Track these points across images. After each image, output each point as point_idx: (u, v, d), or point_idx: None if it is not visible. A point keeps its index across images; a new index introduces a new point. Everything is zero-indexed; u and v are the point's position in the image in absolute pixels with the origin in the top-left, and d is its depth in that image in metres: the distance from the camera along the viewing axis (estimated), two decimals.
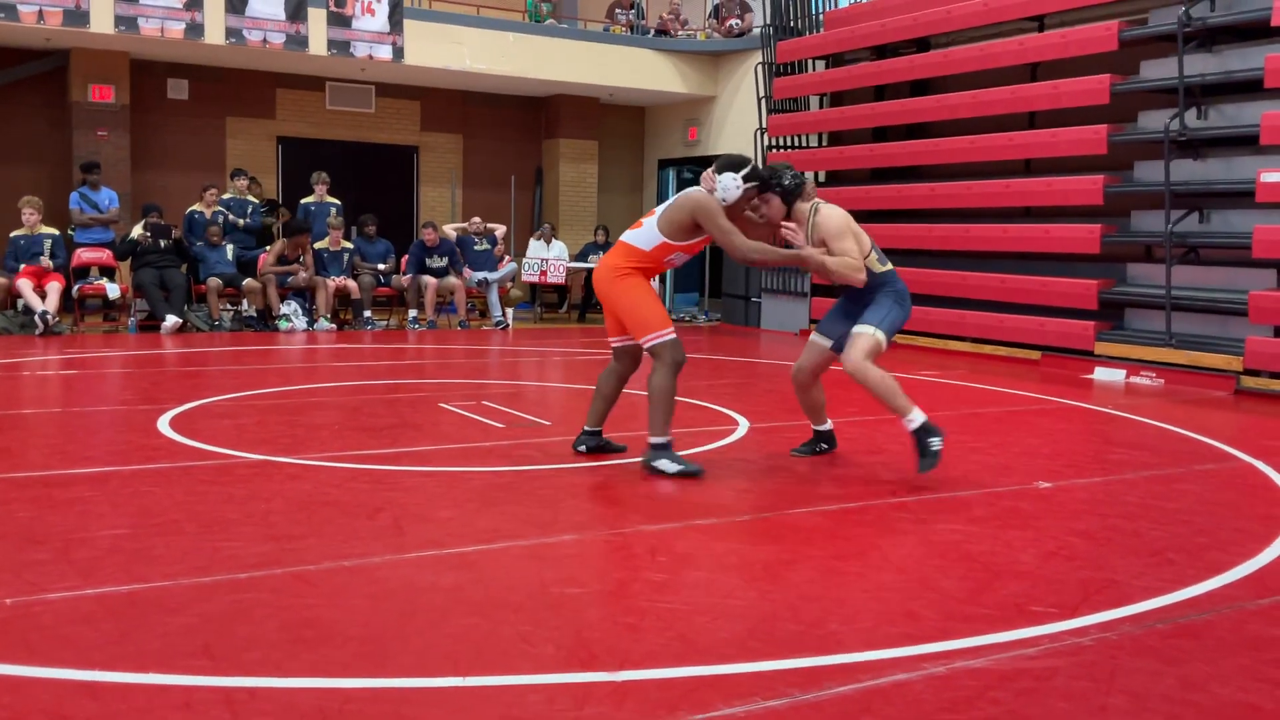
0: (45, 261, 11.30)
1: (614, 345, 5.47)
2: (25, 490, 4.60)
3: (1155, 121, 9.96)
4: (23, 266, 11.25)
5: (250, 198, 13.08)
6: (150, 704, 2.57)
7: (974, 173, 11.96)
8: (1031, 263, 11.24)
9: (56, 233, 11.71)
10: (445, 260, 13.11)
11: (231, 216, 12.69)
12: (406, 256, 13.17)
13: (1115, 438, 6.91)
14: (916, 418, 5.11)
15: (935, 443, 5.08)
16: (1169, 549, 4.16)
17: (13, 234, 11.49)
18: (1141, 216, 10.29)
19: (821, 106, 14.30)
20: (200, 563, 3.65)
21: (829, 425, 5.82)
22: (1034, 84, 11.12)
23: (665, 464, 5.11)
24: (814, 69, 14.36)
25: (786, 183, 5.30)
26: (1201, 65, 9.63)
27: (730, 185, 5.12)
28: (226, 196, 12.94)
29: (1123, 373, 9.63)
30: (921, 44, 12.89)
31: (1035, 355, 10.61)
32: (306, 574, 3.57)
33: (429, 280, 12.91)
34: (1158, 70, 10.01)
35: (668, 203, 5.29)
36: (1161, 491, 5.16)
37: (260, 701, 2.60)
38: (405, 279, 13.03)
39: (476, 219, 13.87)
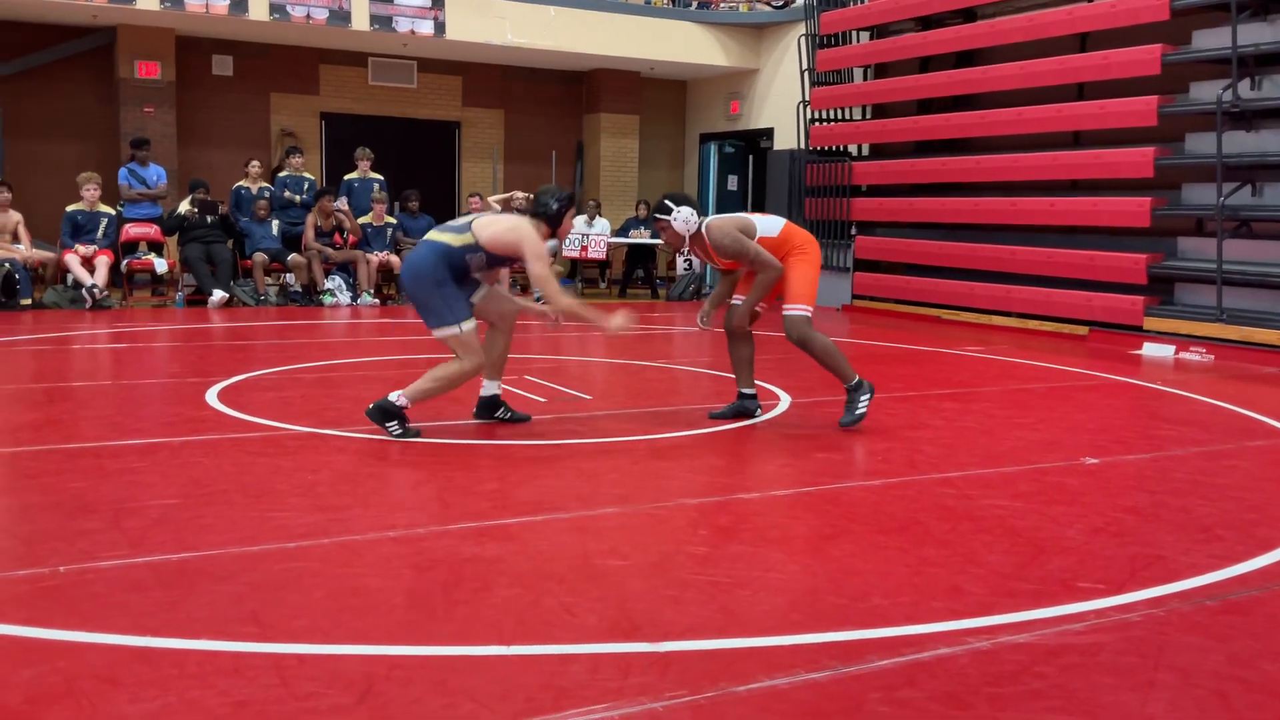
0: (92, 249, 11.40)
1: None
2: (77, 461, 4.68)
3: (1207, 92, 9.77)
4: (76, 245, 11.38)
5: (306, 174, 13.18)
6: (201, 669, 2.61)
7: (1021, 145, 11.79)
8: (1079, 236, 11.10)
9: (113, 212, 11.85)
10: None
11: (289, 193, 12.79)
12: None
13: (1164, 414, 6.82)
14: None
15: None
16: (1218, 525, 4.10)
17: (70, 208, 11.63)
18: (1192, 189, 10.11)
19: (866, 78, 14.15)
20: (249, 532, 3.70)
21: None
22: (1083, 54, 10.94)
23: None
24: (858, 40, 14.20)
25: (554, 209, 5.52)
26: (1255, 34, 9.42)
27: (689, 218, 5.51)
28: (284, 175, 13.03)
29: (1172, 348, 9.49)
30: (968, 14, 12.71)
31: (1083, 330, 10.48)
32: (353, 544, 3.61)
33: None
34: (1210, 40, 9.81)
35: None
36: (1211, 468, 5.08)
37: (308, 667, 2.64)
38: None
39: (519, 193, 13.85)
